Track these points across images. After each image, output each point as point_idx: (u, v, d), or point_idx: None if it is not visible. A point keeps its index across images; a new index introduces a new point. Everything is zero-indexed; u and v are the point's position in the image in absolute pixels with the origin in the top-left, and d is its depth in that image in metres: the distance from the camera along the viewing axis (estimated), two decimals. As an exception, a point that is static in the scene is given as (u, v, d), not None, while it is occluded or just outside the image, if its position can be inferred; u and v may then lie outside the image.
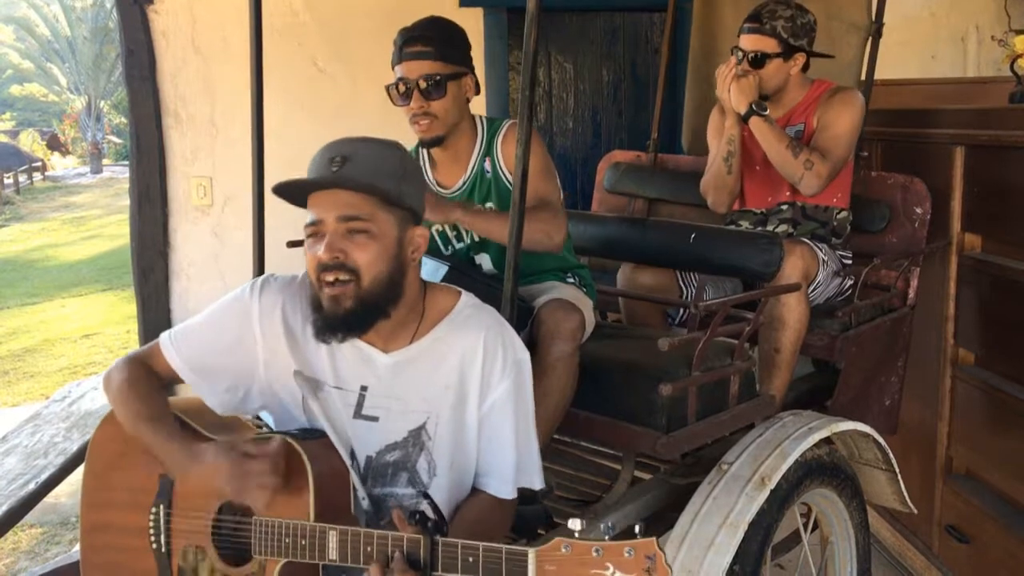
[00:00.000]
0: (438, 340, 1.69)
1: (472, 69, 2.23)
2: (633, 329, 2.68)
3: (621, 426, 2.15)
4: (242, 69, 2.30)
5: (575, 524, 1.27)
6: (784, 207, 2.78)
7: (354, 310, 1.59)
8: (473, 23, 4.26)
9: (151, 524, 1.68)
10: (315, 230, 1.59)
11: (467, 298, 1.75)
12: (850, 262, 2.79)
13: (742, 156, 2.76)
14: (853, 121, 2.67)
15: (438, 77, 2.12)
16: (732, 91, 2.63)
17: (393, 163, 1.63)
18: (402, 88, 2.15)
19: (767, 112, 2.63)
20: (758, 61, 2.66)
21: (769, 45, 2.65)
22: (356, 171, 1.57)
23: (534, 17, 1.77)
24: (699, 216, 2.97)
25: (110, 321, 9.09)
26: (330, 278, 1.57)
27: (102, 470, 1.76)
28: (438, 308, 1.72)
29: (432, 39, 2.14)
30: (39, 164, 25.14)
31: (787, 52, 2.66)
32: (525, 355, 1.74)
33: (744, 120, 2.66)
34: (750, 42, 2.67)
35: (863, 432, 2.39)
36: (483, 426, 1.70)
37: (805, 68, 2.73)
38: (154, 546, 1.68)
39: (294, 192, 1.61)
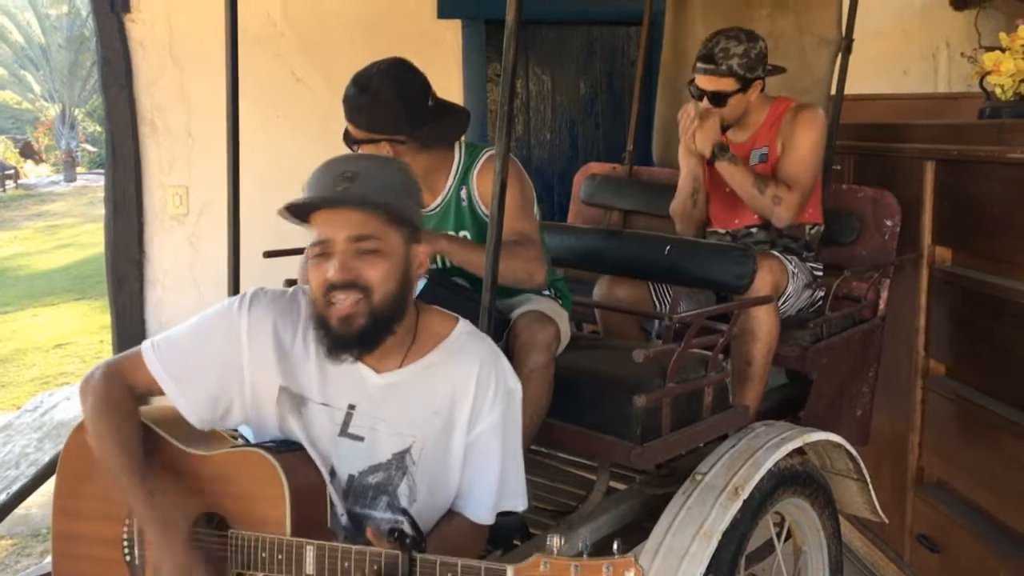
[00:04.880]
0: (432, 365, 1.69)
1: (419, 126, 2.17)
2: (608, 340, 2.70)
3: (596, 437, 2.16)
4: (219, 79, 2.30)
5: (554, 541, 1.28)
6: (754, 229, 2.81)
7: (366, 328, 1.58)
8: (451, 34, 4.29)
9: (124, 536, 1.68)
10: (323, 249, 1.58)
11: (464, 325, 1.74)
12: (820, 274, 2.82)
13: (710, 180, 2.79)
14: (815, 142, 2.69)
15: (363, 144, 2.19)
16: (697, 136, 2.66)
17: (398, 179, 1.64)
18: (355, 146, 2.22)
19: (730, 154, 2.66)
20: (717, 100, 2.68)
21: (727, 84, 2.66)
22: (365, 188, 1.57)
23: (513, 31, 1.78)
24: (674, 228, 2.99)
25: (83, 331, 8.99)
26: (340, 296, 1.56)
27: (74, 477, 1.74)
28: (433, 332, 1.71)
29: (361, 116, 2.17)
30: (12, 172, 24.84)
31: (744, 86, 2.67)
32: (517, 385, 1.75)
33: (710, 163, 2.70)
34: (708, 83, 2.68)
35: (835, 442, 2.41)
36: (469, 453, 1.70)
37: (762, 89, 2.75)
38: (127, 558, 1.67)
39: (300, 211, 1.60)
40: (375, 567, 1.43)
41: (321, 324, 1.61)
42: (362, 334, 1.59)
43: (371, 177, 1.59)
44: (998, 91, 2.80)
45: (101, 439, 1.63)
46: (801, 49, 3.07)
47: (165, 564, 1.56)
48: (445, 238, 2.15)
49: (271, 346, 1.67)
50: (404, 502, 1.69)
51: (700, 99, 2.70)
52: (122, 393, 1.67)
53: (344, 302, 1.57)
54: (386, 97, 2.14)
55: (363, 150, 2.18)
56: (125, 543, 1.67)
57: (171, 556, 1.55)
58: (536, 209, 2.28)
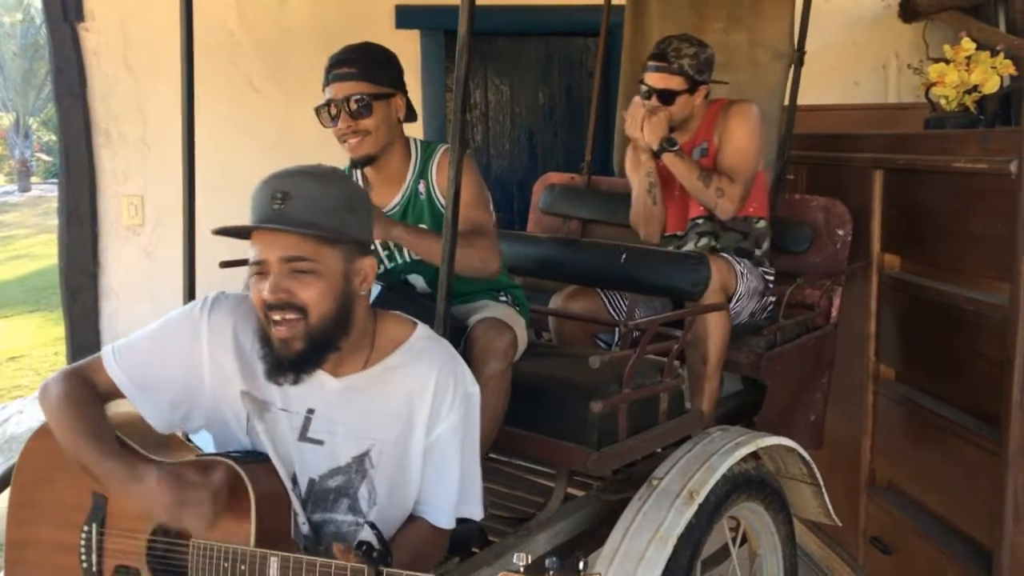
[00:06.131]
0: (390, 369, 1.69)
1: (404, 92, 2.25)
2: (565, 348, 2.72)
3: (553, 443, 2.17)
4: (175, 88, 2.29)
5: (520, 560, 1.28)
6: (700, 220, 2.85)
7: (304, 351, 1.59)
8: (409, 45, 4.30)
9: (82, 542, 1.66)
10: (259, 269, 1.58)
11: (422, 330, 1.75)
12: (772, 278, 2.86)
13: (660, 185, 2.84)
14: (749, 131, 2.76)
15: (364, 96, 2.15)
16: (645, 129, 2.71)
17: (336, 196, 1.61)
18: (333, 110, 2.18)
19: (677, 147, 2.72)
20: (666, 97, 2.74)
21: (676, 83, 2.74)
22: (298, 209, 1.55)
23: (465, 42, 1.80)
24: (631, 236, 3.03)
25: (37, 343, 8.84)
26: (277, 316, 1.57)
27: (31, 484, 1.72)
28: (391, 337, 1.72)
29: (357, 61, 2.18)
30: (-37, 182, 24.40)
31: (692, 87, 2.75)
32: (475, 389, 1.76)
33: (656, 156, 2.74)
34: (658, 80, 2.75)
35: (788, 447, 2.45)
36: (428, 457, 1.71)
37: (706, 96, 2.82)
38: (84, 565, 1.66)
39: (237, 231, 1.60)
40: None
41: (265, 342, 1.63)
42: (299, 357, 1.60)
43: (305, 198, 1.56)
44: (943, 102, 2.87)
45: (69, 432, 1.61)
46: (755, 61, 3.12)
47: (155, 501, 1.51)
48: (401, 226, 2.15)
49: (232, 350, 1.68)
50: (364, 505, 1.70)
51: (649, 97, 2.76)
52: (86, 387, 1.66)
53: (281, 324, 1.57)
54: (382, 53, 2.21)
55: (376, 112, 2.17)
56: (82, 549, 1.66)
57: (158, 492, 1.51)
58: (491, 205, 2.30)
